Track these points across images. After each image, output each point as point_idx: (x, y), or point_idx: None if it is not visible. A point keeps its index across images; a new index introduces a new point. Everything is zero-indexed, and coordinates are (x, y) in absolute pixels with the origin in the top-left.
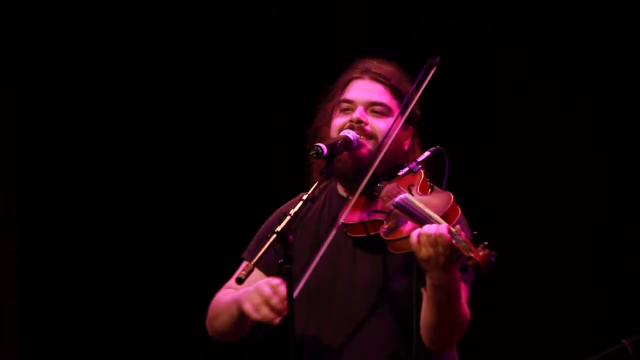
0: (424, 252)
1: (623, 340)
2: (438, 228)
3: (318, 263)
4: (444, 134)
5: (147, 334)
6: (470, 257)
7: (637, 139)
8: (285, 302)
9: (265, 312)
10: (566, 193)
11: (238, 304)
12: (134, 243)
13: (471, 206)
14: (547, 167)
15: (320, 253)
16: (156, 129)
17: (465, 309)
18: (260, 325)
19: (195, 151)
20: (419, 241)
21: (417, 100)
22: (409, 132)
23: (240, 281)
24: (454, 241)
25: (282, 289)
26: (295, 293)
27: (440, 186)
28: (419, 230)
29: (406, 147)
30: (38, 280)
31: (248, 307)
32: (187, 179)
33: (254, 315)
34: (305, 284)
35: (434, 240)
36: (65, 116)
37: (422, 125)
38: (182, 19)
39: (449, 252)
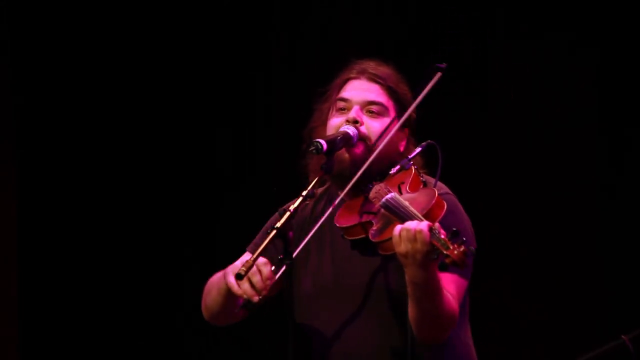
0: (403, 247)
1: (623, 336)
2: (418, 224)
3: (322, 266)
4: (438, 129)
5: (148, 334)
6: (448, 255)
7: (636, 132)
8: (268, 282)
9: (245, 288)
10: (564, 186)
11: (224, 277)
12: (134, 242)
13: (467, 199)
14: (544, 160)
15: (301, 245)
16: (156, 126)
17: (451, 304)
18: (242, 303)
19: (195, 151)
20: (399, 236)
21: (415, 105)
22: (405, 134)
23: (240, 277)
24: (432, 239)
25: (267, 268)
26: (304, 292)
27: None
28: (400, 225)
29: (402, 149)
30: (38, 280)
31: (230, 280)
32: (188, 178)
33: (235, 288)
34: (311, 286)
35: (413, 236)
36: (64, 115)
37: (417, 122)
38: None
39: (426, 249)
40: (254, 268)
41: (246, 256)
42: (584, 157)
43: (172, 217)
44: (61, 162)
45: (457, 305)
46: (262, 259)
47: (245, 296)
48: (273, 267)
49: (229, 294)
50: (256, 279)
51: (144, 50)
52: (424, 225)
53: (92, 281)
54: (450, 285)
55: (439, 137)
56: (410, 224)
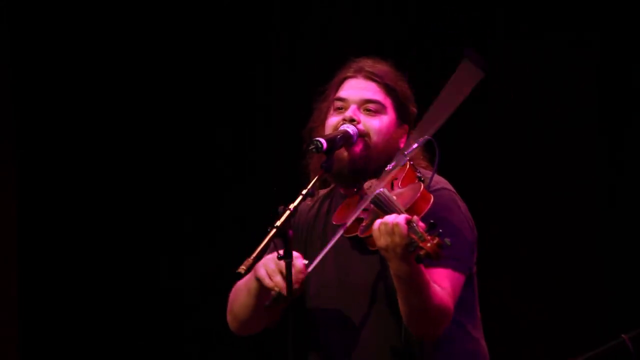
0: (382, 241)
1: (623, 336)
2: (395, 218)
3: (325, 265)
4: (440, 130)
5: (148, 334)
6: (422, 247)
7: (636, 132)
8: (300, 275)
9: (277, 280)
10: (564, 186)
11: (254, 273)
12: (134, 242)
13: (467, 199)
14: (544, 160)
15: (321, 256)
16: (156, 126)
17: (442, 298)
18: (273, 297)
19: (195, 151)
20: (379, 230)
21: (412, 98)
22: (404, 130)
23: (240, 276)
24: (410, 232)
25: (299, 261)
26: (310, 292)
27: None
28: (380, 219)
29: (402, 145)
30: (38, 280)
31: (262, 273)
32: (188, 178)
33: (267, 281)
34: (315, 286)
35: (391, 230)
36: (64, 115)
37: (416, 119)
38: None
39: (405, 242)
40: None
41: (273, 254)
42: (584, 157)
43: (172, 217)
44: (61, 162)
45: (452, 300)
46: (295, 253)
47: (276, 289)
48: (306, 261)
49: (259, 292)
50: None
51: (144, 50)
52: (401, 218)
53: (92, 281)
54: (444, 280)
55: (439, 136)
56: (389, 218)
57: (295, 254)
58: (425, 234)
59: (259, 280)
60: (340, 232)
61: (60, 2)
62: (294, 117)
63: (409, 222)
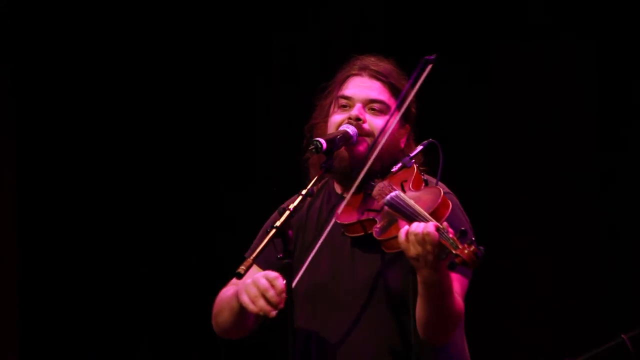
0: (413, 250)
1: (622, 335)
2: (426, 226)
3: (319, 263)
4: (441, 130)
5: (149, 336)
6: (457, 255)
7: (635, 136)
8: (282, 295)
9: (261, 305)
10: (564, 186)
11: (237, 297)
12: (134, 243)
13: (466, 198)
14: (543, 160)
15: (315, 249)
16: (157, 128)
17: (459, 303)
18: (258, 318)
19: (195, 152)
20: (407, 240)
21: (413, 98)
22: (406, 130)
23: (239, 276)
24: (441, 239)
25: (279, 282)
26: (300, 289)
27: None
28: (406, 228)
29: (403, 145)
30: (38, 282)
31: (245, 299)
32: (188, 179)
33: (251, 307)
34: (307, 284)
35: (422, 239)
36: (65, 116)
37: (418, 122)
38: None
39: (437, 251)
40: (266, 283)
41: (255, 270)
42: (584, 157)
43: (172, 218)
44: (62, 163)
45: (463, 305)
46: (273, 273)
47: (262, 313)
48: (284, 281)
49: (242, 312)
50: (270, 293)
51: (145, 52)
52: (431, 226)
53: (92, 283)
54: (456, 285)
55: (439, 137)
56: (417, 227)
57: (273, 273)
58: (458, 241)
59: (242, 304)
60: (325, 233)
61: (62, 4)
62: (294, 117)
63: (439, 230)
